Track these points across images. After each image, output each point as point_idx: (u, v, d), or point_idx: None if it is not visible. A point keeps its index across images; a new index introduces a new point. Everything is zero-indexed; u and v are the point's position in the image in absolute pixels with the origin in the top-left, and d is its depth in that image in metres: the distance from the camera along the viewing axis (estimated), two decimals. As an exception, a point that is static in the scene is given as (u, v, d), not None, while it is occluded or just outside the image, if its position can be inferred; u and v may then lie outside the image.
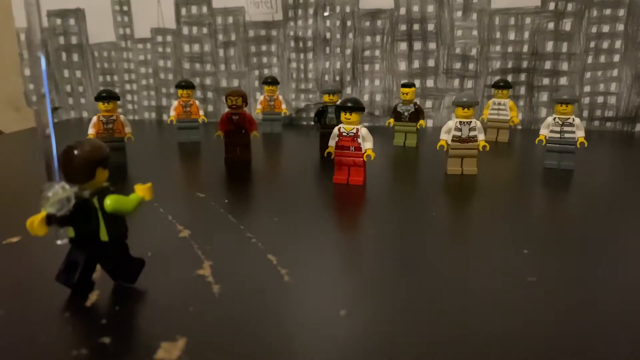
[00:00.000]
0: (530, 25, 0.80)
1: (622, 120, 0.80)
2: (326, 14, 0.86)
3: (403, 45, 0.85)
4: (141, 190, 0.27)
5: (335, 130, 0.49)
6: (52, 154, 0.25)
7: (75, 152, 0.26)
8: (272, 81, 0.79)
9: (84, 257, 0.27)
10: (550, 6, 0.79)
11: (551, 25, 0.79)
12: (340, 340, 0.23)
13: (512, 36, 0.81)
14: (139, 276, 0.29)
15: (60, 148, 0.26)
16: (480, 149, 0.52)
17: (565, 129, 0.54)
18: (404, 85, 0.67)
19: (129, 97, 0.98)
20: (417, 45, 0.84)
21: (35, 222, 0.25)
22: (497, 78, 0.75)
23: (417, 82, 0.83)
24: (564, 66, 0.80)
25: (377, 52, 0.86)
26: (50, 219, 0.26)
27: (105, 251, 0.27)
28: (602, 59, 0.79)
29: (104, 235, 0.27)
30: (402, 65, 0.85)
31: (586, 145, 0.54)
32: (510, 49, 0.81)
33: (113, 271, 0.28)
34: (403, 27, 0.84)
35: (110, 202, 0.26)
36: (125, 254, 0.28)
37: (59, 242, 0.26)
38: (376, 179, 0.51)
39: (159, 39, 0.94)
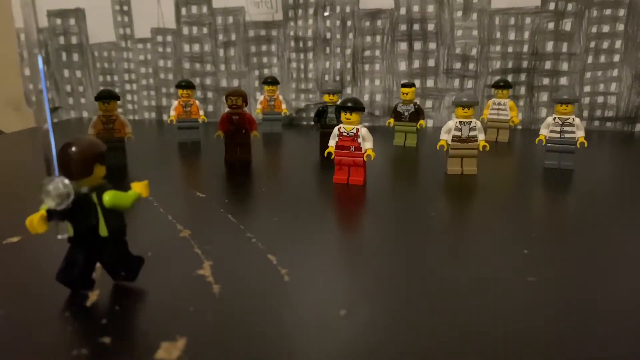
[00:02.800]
0: (530, 25, 0.80)
1: (622, 120, 0.80)
2: (326, 14, 0.86)
3: (403, 45, 0.85)
4: (138, 187, 0.28)
5: (335, 130, 0.49)
6: (51, 149, 0.25)
7: (73, 148, 0.26)
8: (272, 81, 0.79)
9: (83, 255, 0.28)
10: (550, 6, 0.79)
11: (551, 25, 0.79)
12: (340, 340, 0.23)
13: (512, 36, 0.81)
14: (138, 273, 0.29)
15: (59, 146, 0.26)
16: (480, 149, 0.52)
17: (565, 129, 0.54)
18: (404, 85, 0.67)
19: (129, 97, 0.98)
20: (417, 45, 0.84)
21: (34, 220, 0.25)
22: (497, 78, 0.75)
23: (417, 82, 0.83)
24: (564, 66, 0.80)
25: (377, 52, 0.86)
26: (50, 215, 0.26)
27: (105, 247, 0.27)
28: (602, 59, 0.79)
29: (103, 231, 0.27)
30: (402, 65, 0.85)
31: (586, 145, 0.54)
32: (510, 49, 0.81)
33: (113, 268, 0.28)
34: (403, 27, 0.84)
35: (109, 197, 0.26)
36: (124, 250, 0.28)
37: (59, 236, 0.26)
38: (376, 179, 0.51)
39: (159, 39, 0.94)
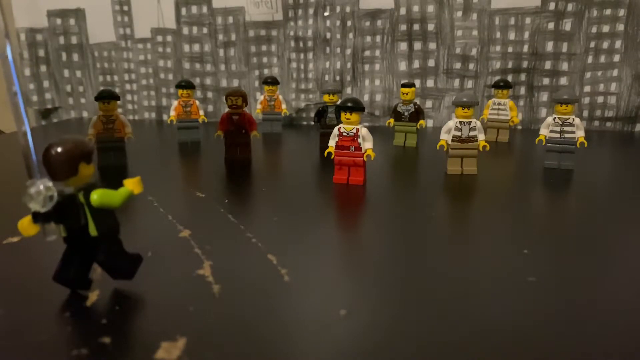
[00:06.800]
0: (530, 25, 0.80)
1: (622, 120, 0.80)
2: (326, 14, 0.86)
3: (403, 45, 0.85)
4: (130, 184, 0.27)
5: (335, 130, 0.49)
6: (30, 151, 0.25)
7: (57, 148, 0.26)
8: (272, 81, 0.79)
9: (78, 255, 0.28)
10: (550, 6, 0.79)
11: (551, 25, 0.79)
12: (340, 340, 0.23)
13: (512, 36, 0.81)
14: (136, 272, 0.29)
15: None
16: (480, 149, 0.52)
17: (565, 129, 0.54)
18: (404, 85, 0.66)
19: (129, 97, 0.98)
20: (417, 45, 0.84)
21: (25, 223, 0.26)
22: (497, 78, 0.75)
23: (417, 82, 0.83)
24: (564, 66, 0.80)
25: (377, 52, 0.86)
26: (36, 217, 0.26)
27: (98, 247, 0.27)
28: (602, 59, 0.79)
29: (92, 230, 0.27)
30: (402, 65, 0.85)
31: (586, 145, 0.54)
32: (510, 49, 0.81)
33: (109, 267, 0.28)
34: (403, 27, 0.84)
35: (96, 196, 0.26)
36: (119, 249, 0.28)
37: (47, 239, 0.26)
38: (376, 179, 0.51)
39: (159, 39, 0.94)
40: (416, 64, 0.85)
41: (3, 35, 0.24)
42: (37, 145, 0.26)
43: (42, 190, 0.25)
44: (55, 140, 0.26)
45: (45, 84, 1.00)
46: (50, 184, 0.25)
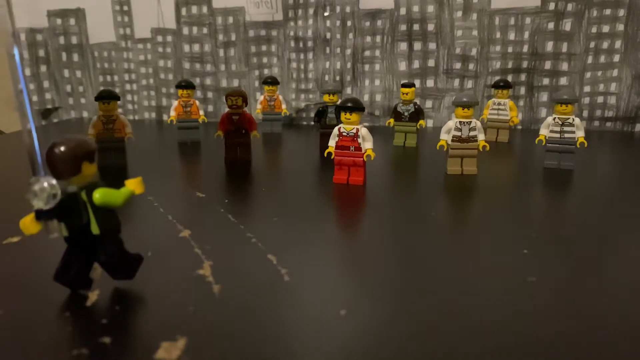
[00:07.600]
0: (530, 25, 0.80)
1: (622, 120, 0.80)
2: (326, 14, 0.86)
3: (403, 45, 0.85)
4: (132, 184, 0.27)
5: (335, 130, 0.49)
6: (35, 149, 0.25)
7: (60, 147, 0.26)
8: (272, 81, 0.79)
9: (79, 254, 0.28)
10: (550, 6, 0.79)
11: (551, 25, 0.79)
12: (340, 340, 0.23)
13: (512, 36, 0.81)
14: (136, 272, 0.29)
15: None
16: (480, 149, 0.52)
17: (565, 129, 0.54)
18: (404, 85, 0.67)
19: (129, 97, 0.98)
20: (417, 45, 0.84)
21: (27, 221, 0.26)
22: (497, 78, 0.75)
23: (417, 82, 0.83)
24: (564, 66, 0.80)
25: (377, 52, 0.86)
26: (39, 214, 0.26)
27: (99, 246, 0.27)
28: (602, 59, 0.79)
29: (95, 229, 0.27)
30: (402, 65, 0.85)
31: (586, 145, 0.54)
32: (510, 49, 0.81)
33: (110, 267, 0.28)
34: (403, 27, 0.84)
35: (99, 195, 0.26)
36: (120, 249, 0.28)
37: (50, 236, 0.26)
38: (376, 179, 0.51)
39: (159, 39, 0.94)
40: (416, 64, 0.85)
41: (10, 34, 0.24)
42: (39, 144, 0.26)
43: (46, 187, 0.25)
44: (59, 139, 0.26)
45: (45, 84, 1.00)
46: (54, 181, 0.25)
